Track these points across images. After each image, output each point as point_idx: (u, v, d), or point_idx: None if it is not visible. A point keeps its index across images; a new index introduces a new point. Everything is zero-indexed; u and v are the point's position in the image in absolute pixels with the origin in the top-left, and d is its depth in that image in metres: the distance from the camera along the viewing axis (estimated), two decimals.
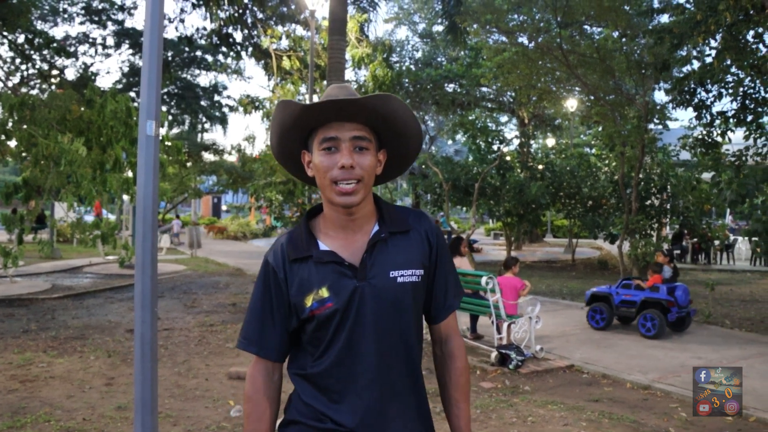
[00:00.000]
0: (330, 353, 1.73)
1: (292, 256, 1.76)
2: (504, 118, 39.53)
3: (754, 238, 10.28)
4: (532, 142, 26.52)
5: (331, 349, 1.73)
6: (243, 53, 21.26)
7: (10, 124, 9.77)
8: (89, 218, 13.35)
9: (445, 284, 1.88)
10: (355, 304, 1.71)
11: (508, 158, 21.02)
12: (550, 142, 32.58)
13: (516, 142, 24.69)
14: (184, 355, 7.90)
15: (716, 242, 22.55)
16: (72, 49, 25.90)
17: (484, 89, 28.68)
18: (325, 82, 11.44)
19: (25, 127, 9.45)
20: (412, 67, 30.65)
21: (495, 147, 20.69)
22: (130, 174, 10.81)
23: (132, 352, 7.88)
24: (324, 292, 1.71)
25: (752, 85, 11.33)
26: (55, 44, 21.34)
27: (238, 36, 20.62)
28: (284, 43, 20.78)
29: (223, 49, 22.95)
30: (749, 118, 11.30)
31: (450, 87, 29.16)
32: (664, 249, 13.99)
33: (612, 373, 7.37)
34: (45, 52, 21.85)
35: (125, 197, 19.34)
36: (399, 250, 1.78)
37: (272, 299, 1.79)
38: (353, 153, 1.70)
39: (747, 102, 11.37)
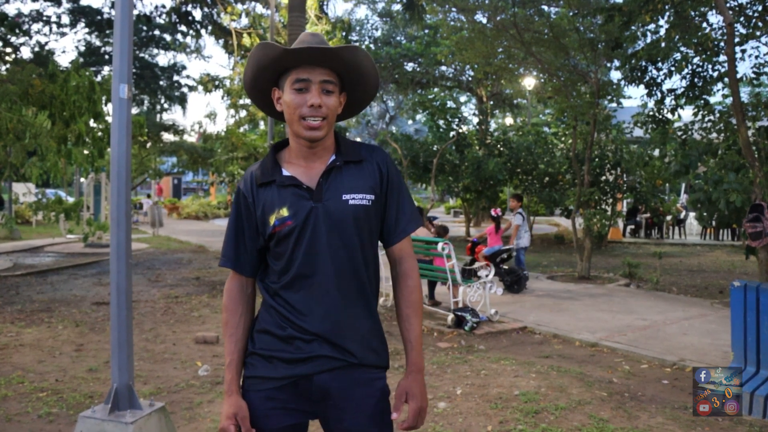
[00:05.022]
0: (292, 268, 1.99)
1: (259, 180, 2.05)
2: (463, 98, 39.88)
3: (696, 208, 10.72)
4: (491, 120, 26.86)
5: (293, 263, 1.98)
6: (202, 31, 21.21)
7: None
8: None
9: (397, 211, 2.14)
10: (311, 223, 1.97)
11: (466, 133, 21.38)
12: (509, 120, 33.02)
13: (475, 120, 25.03)
14: (151, 323, 8.09)
15: (668, 217, 23.26)
16: (25, 27, 25.45)
17: (443, 68, 28.96)
18: None
19: None
20: (371, 45, 30.77)
21: (454, 125, 21.03)
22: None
23: (100, 322, 8.08)
24: (284, 212, 1.98)
25: (700, 63, 11.71)
26: (7, 21, 20.99)
27: (197, 14, 20.58)
28: (244, 21, 20.79)
29: (183, 27, 22.83)
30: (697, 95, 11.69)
31: (409, 66, 29.39)
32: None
33: (562, 333, 7.78)
34: None
35: (83, 180, 19.25)
36: (352, 177, 2.06)
37: (243, 221, 2.09)
38: (321, 94, 1.97)
39: (695, 80, 11.77)
